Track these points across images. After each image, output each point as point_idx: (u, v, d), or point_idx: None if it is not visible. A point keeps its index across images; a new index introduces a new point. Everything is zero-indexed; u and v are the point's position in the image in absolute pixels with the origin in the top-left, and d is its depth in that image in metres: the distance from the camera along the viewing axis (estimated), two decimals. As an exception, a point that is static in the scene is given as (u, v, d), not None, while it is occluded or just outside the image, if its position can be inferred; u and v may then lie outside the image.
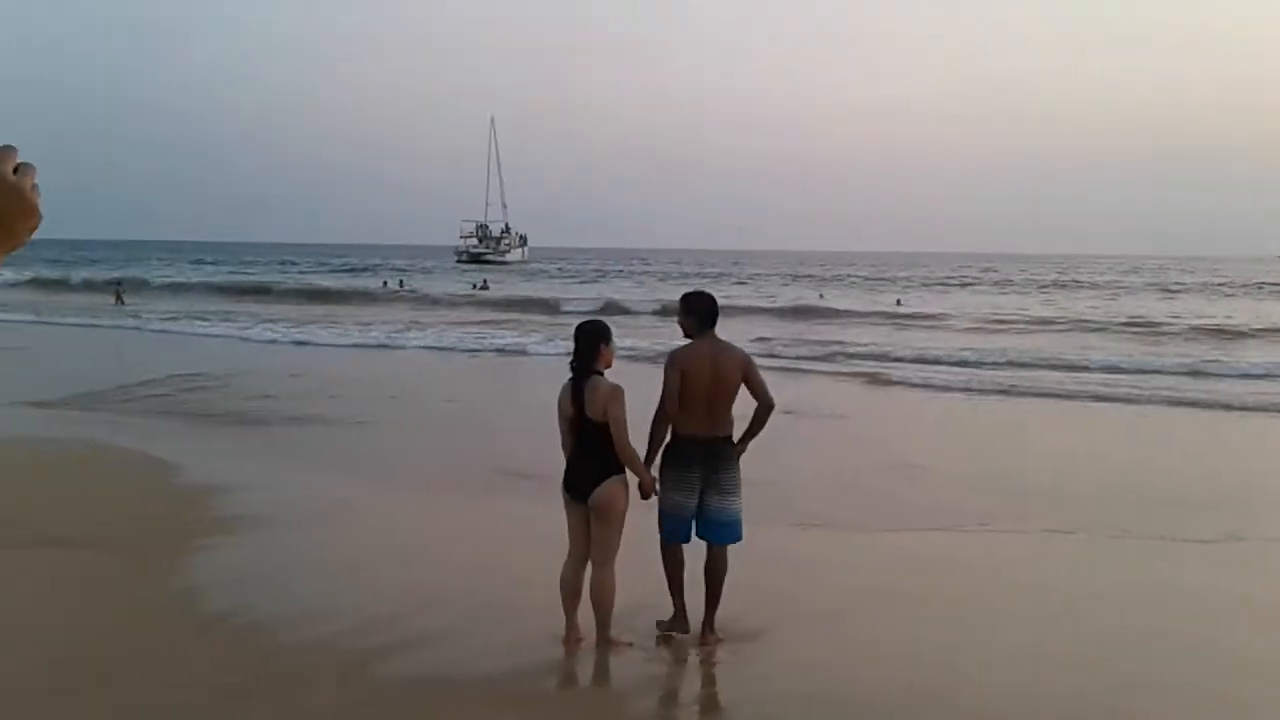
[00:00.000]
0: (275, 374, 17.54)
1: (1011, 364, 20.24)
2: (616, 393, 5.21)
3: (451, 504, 8.64)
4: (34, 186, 1.44)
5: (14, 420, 11.61)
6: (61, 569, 6.40)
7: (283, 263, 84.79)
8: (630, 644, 5.42)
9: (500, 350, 22.55)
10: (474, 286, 48.30)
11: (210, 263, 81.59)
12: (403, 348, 22.88)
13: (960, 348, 23.77)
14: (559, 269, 79.67)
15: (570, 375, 5.34)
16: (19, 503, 7.91)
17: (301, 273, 69.49)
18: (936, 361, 20.63)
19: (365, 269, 75.28)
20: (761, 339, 24.60)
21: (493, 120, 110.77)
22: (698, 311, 5.66)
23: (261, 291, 44.62)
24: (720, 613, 5.61)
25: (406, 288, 47.98)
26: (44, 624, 5.48)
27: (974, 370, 19.23)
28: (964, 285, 63.32)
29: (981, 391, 16.35)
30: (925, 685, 5.00)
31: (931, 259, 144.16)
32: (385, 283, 52.22)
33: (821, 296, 46.69)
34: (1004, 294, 54.08)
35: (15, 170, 1.42)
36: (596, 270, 78.27)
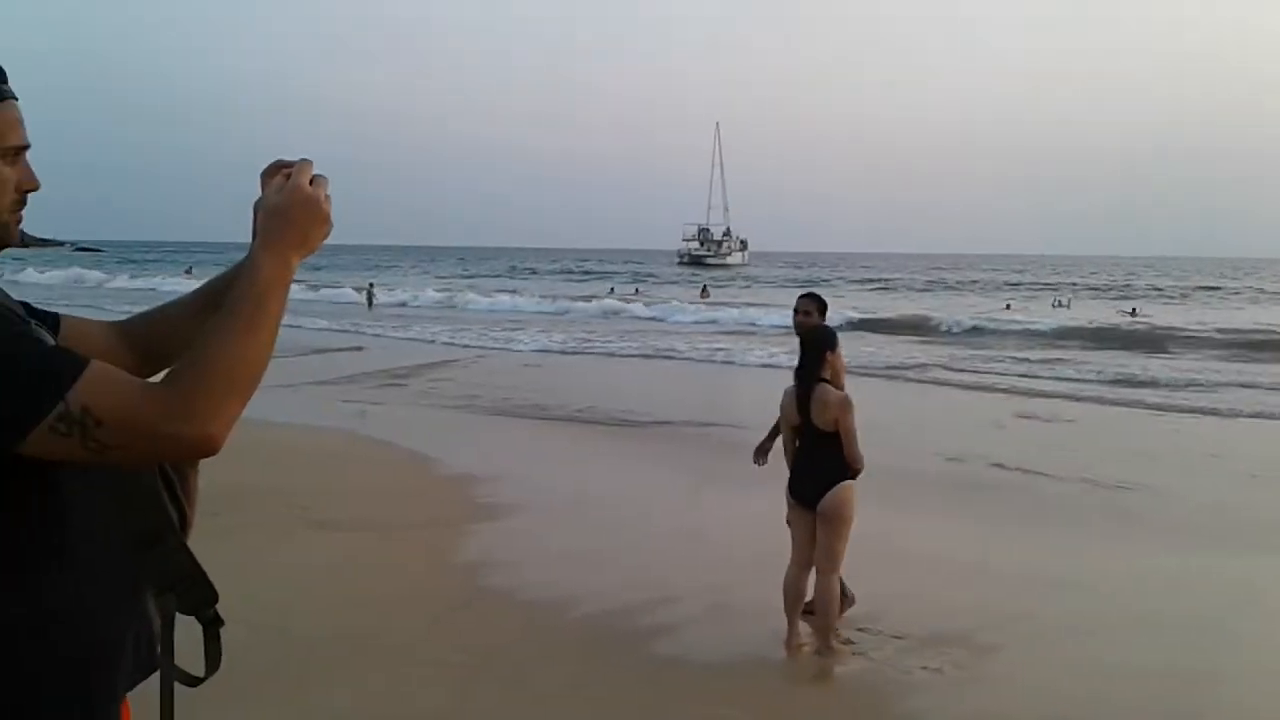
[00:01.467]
0: (508, 371, 18.46)
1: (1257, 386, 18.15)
2: (847, 403, 5.20)
3: (696, 500, 8.94)
4: (326, 197, 1.60)
5: (274, 407, 12.58)
6: (332, 551, 6.95)
7: (513, 269, 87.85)
8: (853, 654, 5.37)
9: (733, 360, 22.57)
10: (700, 293, 48.70)
11: (461, 265, 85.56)
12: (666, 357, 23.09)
13: (1208, 362, 22.04)
14: (777, 275, 78.56)
15: (795, 382, 5.35)
16: (286, 487, 8.57)
17: (527, 277, 71.98)
18: (1190, 385, 18.44)
19: (595, 274, 76.82)
20: (999, 357, 23.24)
21: (718, 125, 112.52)
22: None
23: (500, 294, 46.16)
24: (951, 626, 5.65)
25: (641, 293, 49.08)
26: (319, 601, 5.97)
27: (1222, 392, 17.53)
28: (1206, 290, 58.63)
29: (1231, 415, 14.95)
30: (1170, 710, 4.78)
31: (1179, 264, 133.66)
32: (613, 289, 53.32)
33: (1056, 305, 44.38)
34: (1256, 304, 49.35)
35: (310, 182, 1.58)
36: (822, 278, 76.26)
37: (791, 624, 5.43)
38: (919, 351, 23.91)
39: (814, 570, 5.39)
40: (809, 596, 5.46)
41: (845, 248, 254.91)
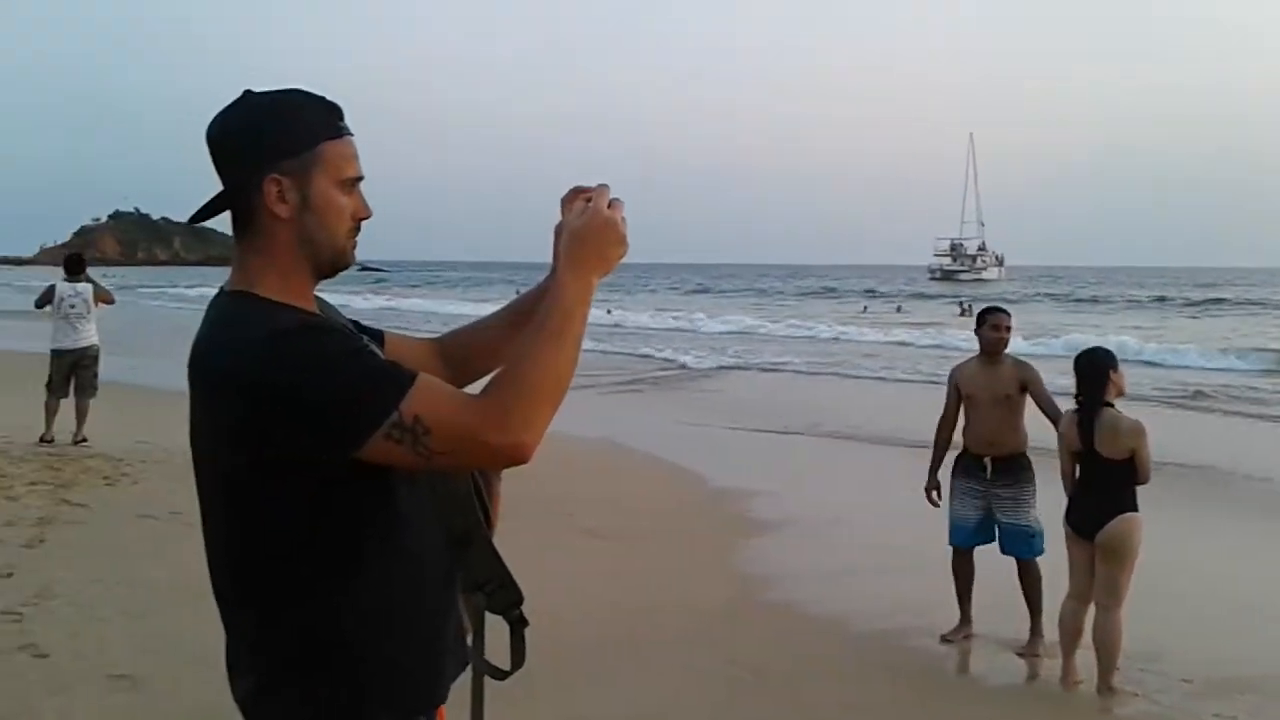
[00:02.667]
0: (764, 388, 18.54)
1: None
2: (1142, 430, 4.92)
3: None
4: (622, 219, 1.68)
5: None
6: (600, 558, 7.23)
7: (756, 288, 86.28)
8: (1136, 694, 5.02)
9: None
10: (960, 312, 46.76)
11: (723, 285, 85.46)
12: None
13: None
14: (1037, 291, 72.37)
15: (1075, 408, 5.08)
16: (554, 494, 8.82)
17: (772, 295, 71.06)
18: None
19: (841, 293, 74.16)
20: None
21: (971, 136, 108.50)
22: None
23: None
24: (1247, 669, 5.36)
25: (902, 311, 47.89)
26: (588, 607, 6.13)
27: None
28: None
29: None
30: None
31: None
32: (865, 308, 52.18)
33: None
34: None
35: (609, 206, 1.67)
36: (1098, 295, 69.24)
37: (1068, 658, 5.17)
38: (1215, 378, 21.69)
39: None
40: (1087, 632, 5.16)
41: (1105, 261, 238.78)
